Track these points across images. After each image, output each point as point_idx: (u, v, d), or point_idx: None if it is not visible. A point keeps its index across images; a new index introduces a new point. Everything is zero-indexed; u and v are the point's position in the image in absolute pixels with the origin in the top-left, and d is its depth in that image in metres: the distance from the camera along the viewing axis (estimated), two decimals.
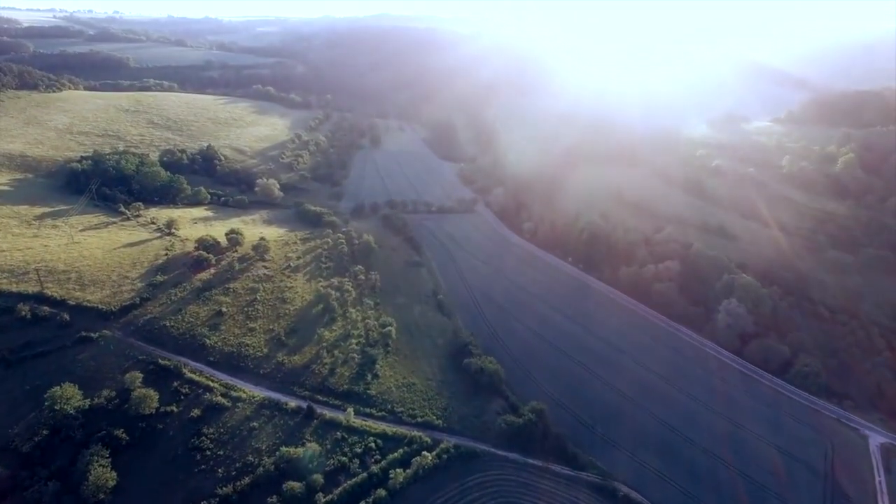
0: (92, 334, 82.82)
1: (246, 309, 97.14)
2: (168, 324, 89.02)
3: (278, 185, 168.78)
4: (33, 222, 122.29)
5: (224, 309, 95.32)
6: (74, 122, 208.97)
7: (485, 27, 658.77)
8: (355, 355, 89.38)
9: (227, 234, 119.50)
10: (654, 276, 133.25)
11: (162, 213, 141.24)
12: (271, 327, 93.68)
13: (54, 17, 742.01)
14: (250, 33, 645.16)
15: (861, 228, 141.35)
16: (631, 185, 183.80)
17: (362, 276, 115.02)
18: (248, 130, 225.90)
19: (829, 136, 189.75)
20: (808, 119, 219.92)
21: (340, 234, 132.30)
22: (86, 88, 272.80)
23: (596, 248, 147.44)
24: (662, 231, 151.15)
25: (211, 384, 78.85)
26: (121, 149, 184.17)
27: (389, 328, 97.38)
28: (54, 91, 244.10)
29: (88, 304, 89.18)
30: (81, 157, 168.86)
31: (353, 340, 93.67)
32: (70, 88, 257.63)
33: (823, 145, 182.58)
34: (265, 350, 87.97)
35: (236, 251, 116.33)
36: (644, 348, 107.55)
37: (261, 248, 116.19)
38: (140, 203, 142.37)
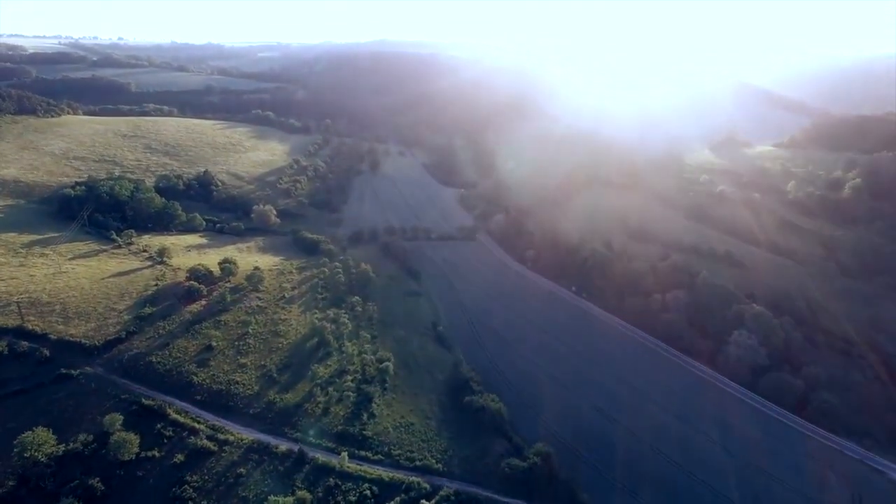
0: (72, 371, 78.46)
1: (237, 343, 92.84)
2: (154, 360, 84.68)
3: (275, 212, 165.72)
4: (20, 250, 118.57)
5: (214, 343, 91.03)
6: (71, 147, 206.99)
7: (485, 52, 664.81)
8: (351, 393, 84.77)
9: (220, 264, 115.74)
10: (661, 306, 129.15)
11: (155, 241, 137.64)
12: (263, 363, 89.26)
13: (59, 43, 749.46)
14: (252, 59, 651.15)
15: (872, 256, 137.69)
16: (634, 210, 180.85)
17: (359, 308, 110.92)
18: (247, 155, 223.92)
19: (833, 161, 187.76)
20: (810, 144, 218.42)
21: (337, 263, 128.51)
22: (85, 113, 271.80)
23: (600, 277, 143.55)
24: (668, 259, 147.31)
25: (197, 426, 74.18)
26: (116, 174, 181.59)
27: (387, 363, 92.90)
28: (53, 116, 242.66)
29: (71, 339, 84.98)
30: (76, 182, 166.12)
31: (349, 377, 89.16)
32: (69, 113, 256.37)
33: (828, 170, 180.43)
34: (256, 388, 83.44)
35: (229, 281, 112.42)
36: (655, 383, 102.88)
37: (255, 278, 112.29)
38: (132, 230, 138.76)
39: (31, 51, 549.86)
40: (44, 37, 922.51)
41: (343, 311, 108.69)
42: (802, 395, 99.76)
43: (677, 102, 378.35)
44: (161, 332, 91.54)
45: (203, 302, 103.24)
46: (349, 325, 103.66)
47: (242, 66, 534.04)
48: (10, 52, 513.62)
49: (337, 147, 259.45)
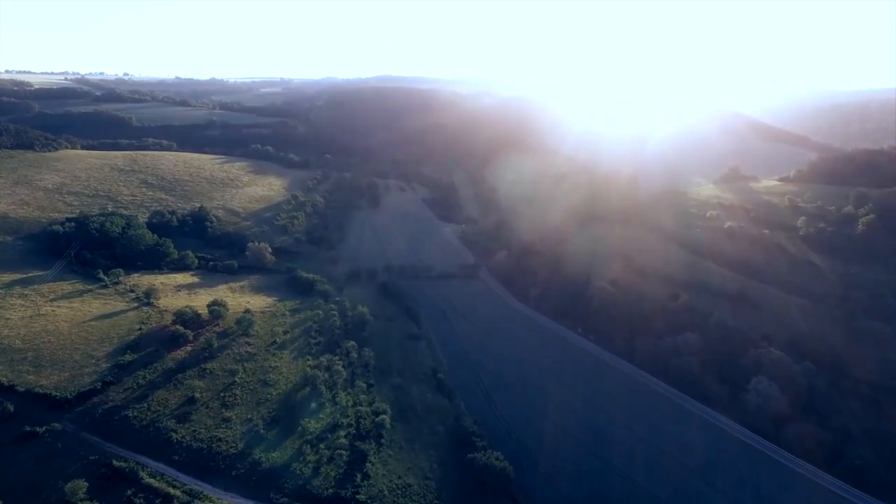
0: (38, 429, 71.78)
1: (222, 394, 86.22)
2: (131, 414, 78.03)
3: (270, 250, 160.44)
4: None
5: (197, 395, 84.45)
6: (66, 181, 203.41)
7: (485, 87, 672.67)
8: (343, 451, 77.82)
9: (208, 306, 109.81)
10: (673, 350, 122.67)
11: (144, 280, 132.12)
12: (249, 416, 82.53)
13: (66, 79, 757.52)
14: (254, 94, 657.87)
15: (893, 296, 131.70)
16: (640, 247, 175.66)
17: (355, 354, 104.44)
18: (244, 191, 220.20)
19: (842, 197, 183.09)
20: (817, 178, 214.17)
21: (333, 305, 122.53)
22: (83, 147, 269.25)
23: (607, 318, 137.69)
24: (678, 299, 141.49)
25: (172, 491, 67.14)
26: (109, 210, 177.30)
27: (383, 416, 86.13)
28: (50, 150, 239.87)
29: (40, 391, 78.61)
30: (66, 218, 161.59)
31: (342, 432, 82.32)
32: (67, 148, 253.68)
33: (839, 206, 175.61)
34: (240, 445, 76.53)
35: (218, 325, 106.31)
36: (672, 436, 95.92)
37: (245, 322, 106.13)
38: (121, 269, 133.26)
39: (37, 86, 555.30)
40: (51, 73, 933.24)
41: (337, 357, 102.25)
42: (832, 450, 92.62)
43: (672, 134, 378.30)
44: (141, 382, 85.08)
45: (188, 348, 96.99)
46: (344, 374, 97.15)
47: (245, 101, 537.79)
48: (15, 88, 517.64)
49: (336, 182, 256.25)
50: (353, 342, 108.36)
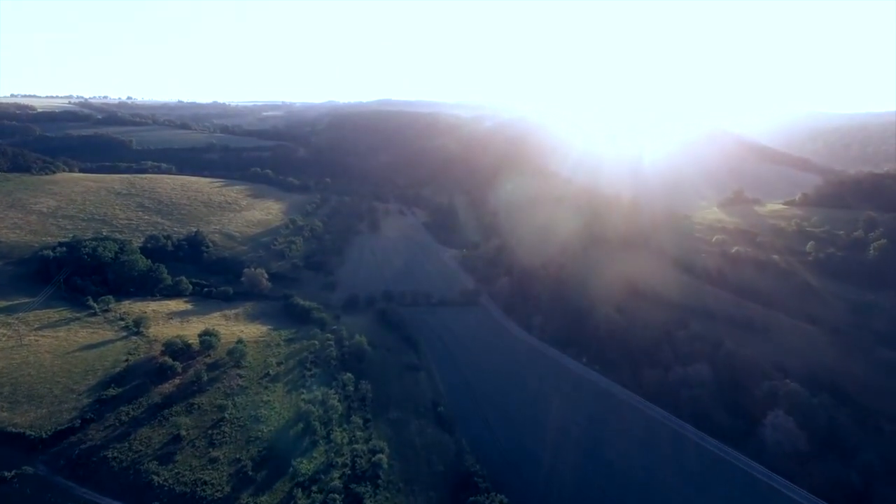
0: (6, 473, 66.97)
1: (210, 432, 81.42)
2: (110, 454, 73.25)
3: (266, 276, 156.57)
4: None
5: (183, 432, 79.67)
6: (61, 205, 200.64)
7: (485, 110, 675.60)
8: (337, 495, 72.69)
9: (200, 336, 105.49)
10: (683, 381, 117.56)
11: (135, 307, 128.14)
12: (238, 456, 77.58)
13: (69, 102, 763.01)
14: (256, 117, 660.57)
15: None
16: (645, 272, 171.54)
17: (351, 387, 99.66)
18: (242, 215, 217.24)
19: (851, 221, 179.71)
20: (823, 202, 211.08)
21: (329, 335, 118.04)
22: (81, 171, 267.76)
23: (612, 346, 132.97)
24: (686, 327, 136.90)
25: None
26: (104, 234, 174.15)
27: (380, 455, 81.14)
28: (47, 174, 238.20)
29: (14, 430, 73.93)
30: (59, 243, 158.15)
31: (336, 473, 77.35)
32: (64, 171, 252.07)
33: (848, 230, 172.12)
34: (227, 489, 71.57)
35: (209, 356, 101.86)
36: (689, 476, 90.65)
37: (237, 353, 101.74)
38: (111, 296, 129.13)
39: (40, 109, 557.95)
40: (56, 96, 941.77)
41: (333, 390, 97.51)
42: (859, 491, 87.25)
43: (672, 156, 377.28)
44: (123, 418, 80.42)
45: (176, 381, 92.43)
46: (339, 408, 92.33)
47: (246, 125, 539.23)
48: (17, 112, 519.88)
49: (336, 206, 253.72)
50: (349, 374, 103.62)
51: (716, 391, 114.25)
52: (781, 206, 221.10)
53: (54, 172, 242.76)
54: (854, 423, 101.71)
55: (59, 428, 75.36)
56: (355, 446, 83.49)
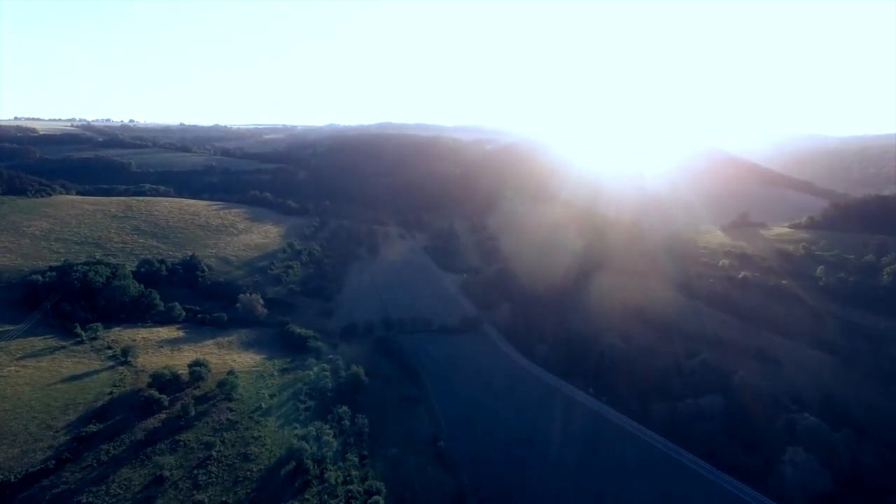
0: None
1: (195, 472, 76.17)
2: (85, 499, 67.97)
3: (262, 301, 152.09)
4: None
5: (167, 473, 74.38)
6: (54, 228, 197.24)
7: (486, 134, 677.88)
8: None
9: (189, 367, 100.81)
10: (695, 414, 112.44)
11: (124, 335, 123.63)
12: (224, 499, 72.26)
13: (72, 125, 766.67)
14: (257, 140, 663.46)
15: None
16: (651, 299, 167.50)
17: (347, 421, 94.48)
18: (239, 238, 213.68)
19: (860, 245, 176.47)
20: (830, 225, 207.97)
21: (325, 365, 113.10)
22: (78, 193, 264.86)
23: (620, 377, 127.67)
24: (696, 356, 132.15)
25: None
26: (97, 258, 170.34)
27: (377, 497, 75.85)
28: (43, 196, 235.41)
29: None
30: (49, 267, 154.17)
31: None
32: (61, 193, 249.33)
33: (858, 254, 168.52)
34: None
35: (198, 388, 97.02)
36: None
37: (227, 385, 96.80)
38: (99, 324, 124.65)
39: (42, 132, 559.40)
40: (59, 119, 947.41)
41: (328, 425, 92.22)
42: None
43: (673, 179, 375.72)
44: (103, 457, 75.29)
45: (162, 415, 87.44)
46: (334, 444, 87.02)
47: (247, 147, 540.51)
48: (18, 134, 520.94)
49: (335, 229, 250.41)
50: (345, 407, 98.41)
51: (729, 424, 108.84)
52: (787, 230, 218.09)
53: (50, 195, 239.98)
54: (878, 461, 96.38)
55: (30, 470, 70.24)
56: (350, 487, 78.15)
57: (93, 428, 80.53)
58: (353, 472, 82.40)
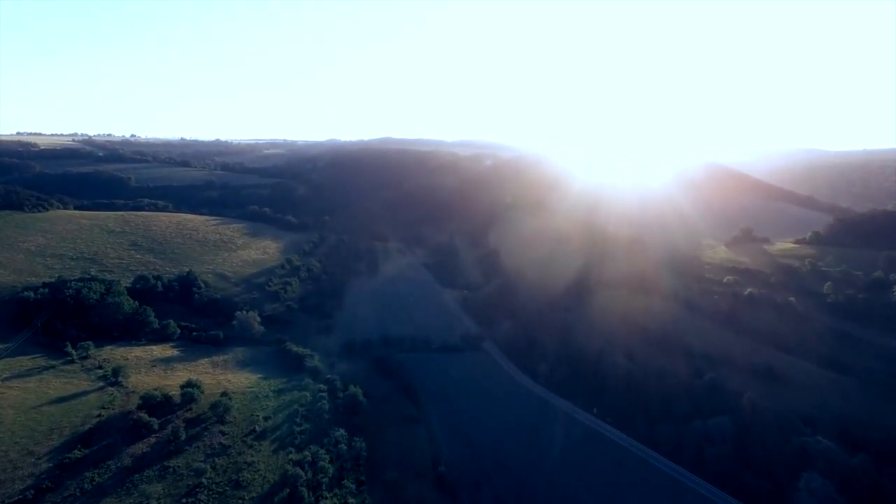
0: None
1: (184, 501, 72.69)
2: None
3: (259, 319, 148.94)
4: None
5: (153, 503, 71.00)
6: (50, 243, 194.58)
7: (486, 149, 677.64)
8: None
9: (182, 387, 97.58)
10: (703, 436, 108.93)
11: (116, 354, 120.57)
12: None
13: (73, 140, 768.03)
14: (257, 155, 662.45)
15: None
16: (655, 316, 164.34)
17: (344, 445, 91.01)
18: (237, 254, 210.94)
19: (868, 260, 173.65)
20: (836, 240, 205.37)
21: (322, 385, 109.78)
22: (76, 208, 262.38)
23: (625, 397, 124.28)
24: (703, 376, 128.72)
25: None
26: (91, 273, 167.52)
27: None
28: (40, 211, 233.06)
29: None
30: (43, 283, 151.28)
31: None
32: (58, 208, 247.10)
33: (866, 270, 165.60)
34: None
35: (190, 410, 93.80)
36: None
37: (220, 407, 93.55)
38: (91, 342, 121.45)
39: (43, 147, 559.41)
40: (61, 134, 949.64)
41: (324, 449, 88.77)
42: None
43: (674, 193, 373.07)
44: (87, 486, 71.90)
45: (152, 440, 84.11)
46: (330, 470, 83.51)
47: (247, 162, 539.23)
48: (19, 149, 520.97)
49: (334, 245, 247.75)
50: (342, 430, 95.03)
51: (739, 448, 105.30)
52: (792, 245, 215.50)
53: (47, 210, 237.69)
54: None
55: (6, 501, 66.81)
56: None
57: (77, 454, 77.21)
58: (350, 500, 78.98)
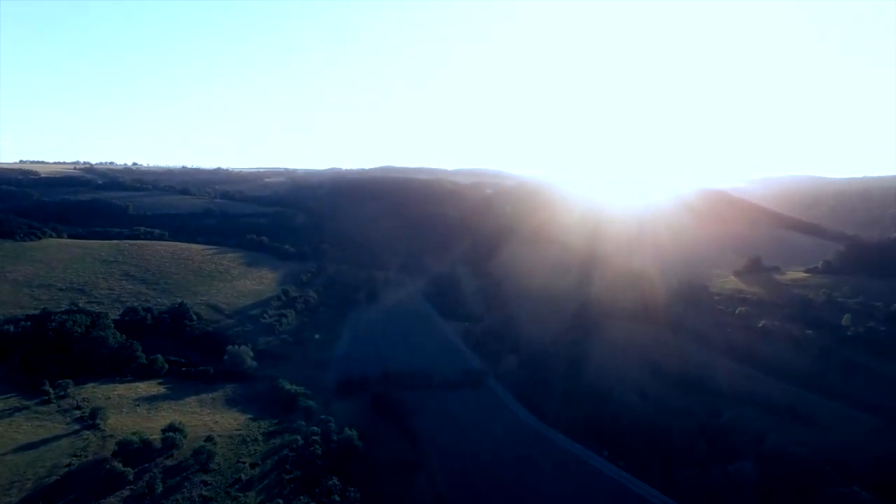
0: None
1: None
2: None
3: (252, 354, 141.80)
4: None
5: None
6: (39, 272, 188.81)
7: (487, 177, 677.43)
8: None
9: (163, 431, 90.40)
10: (725, 483, 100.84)
11: (98, 392, 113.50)
12: None
13: (75, 168, 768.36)
14: (258, 183, 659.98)
15: None
16: (666, 350, 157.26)
17: (337, 496, 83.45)
18: (232, 284, 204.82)
19: (886, 291, 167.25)
20: (849, 269, 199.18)
21: (315, 428, 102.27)
22: (70, 236, 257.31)
23: (639, 439, 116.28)
24: (721, 416, 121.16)
25: None
26: (79, 305, 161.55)
27: None
28: (32, 240, 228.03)
29: None
30: (27, 315, 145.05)
31: None
32: (51, 236, 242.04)
33: (885, 301, 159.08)
34: None
35: (171, 456, 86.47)
36: None
37: (203, 454, 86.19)
38: (70, 380, 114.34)
39: (44, 175, 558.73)
40: (63, 162, 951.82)
41: (315, 501, 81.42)
42: None
43: (677, 221, 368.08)
44: None
45: (125, 492, 76.67)
46: None
47: (247, 191, 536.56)
48: (20, 177, 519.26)
49: (333, 275, 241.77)
50: (335, 479, 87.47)
51: (765, 497, 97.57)
52: (803, 275, 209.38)
53: (40, 238, 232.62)
54: None
55: None
56: None
57: None
58: None
